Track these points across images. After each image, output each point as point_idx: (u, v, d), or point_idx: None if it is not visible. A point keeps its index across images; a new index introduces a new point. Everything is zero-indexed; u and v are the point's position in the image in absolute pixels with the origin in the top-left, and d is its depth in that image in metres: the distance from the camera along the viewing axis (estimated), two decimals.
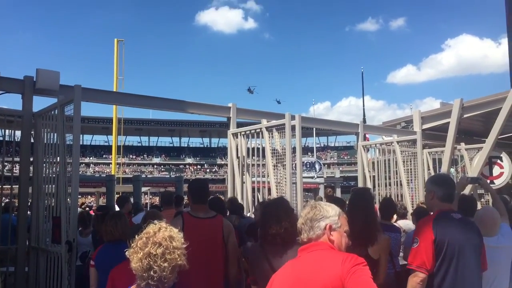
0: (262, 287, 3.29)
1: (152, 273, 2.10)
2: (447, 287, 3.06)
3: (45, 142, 6.19)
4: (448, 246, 3.08)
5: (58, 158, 5.72)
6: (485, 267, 3.28)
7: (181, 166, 73.22)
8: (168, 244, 2.15)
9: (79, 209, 9.46)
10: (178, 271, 2.20)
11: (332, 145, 77.38)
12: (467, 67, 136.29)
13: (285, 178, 7.27)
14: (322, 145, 76.52)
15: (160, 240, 2.17)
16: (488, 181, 10.68)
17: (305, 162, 31.47)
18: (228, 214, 5.82)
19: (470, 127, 11.61)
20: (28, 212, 6.51)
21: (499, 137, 10.07)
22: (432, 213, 3.43)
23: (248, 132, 7.98)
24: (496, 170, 10.75)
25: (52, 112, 5.96)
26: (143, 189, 20.74)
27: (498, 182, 10.74)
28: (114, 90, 33.66)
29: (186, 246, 2.27)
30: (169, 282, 2.14)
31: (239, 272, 4.19)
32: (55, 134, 5.86)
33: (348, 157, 69.48)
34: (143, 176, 51.35)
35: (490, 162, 10.68)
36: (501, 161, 10.73)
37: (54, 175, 5.85)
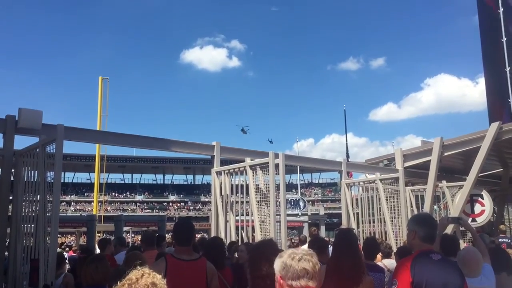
0: None
1: None
2: None
3: (25, 180, 6.11)
4: (428, 286, 3.05)
5: (39, 196, 5.63)
6: None
7: (164, 204, 72.38)
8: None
9: (59, 250, 9.24)
10: None
11: (316, 181, 77.56)
12: (446, 105, 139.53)
13: (269, 216, 7.23)
14: (306, 182, 76.63)
15: (140, 286, 2.12)
16: (470, 219, 10.78)
17: (289, 199, 31.39)
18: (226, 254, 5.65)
19: (451, 164, 11.80)
20: (6, 253, 6.33)
21: (479, 174, 10.25)
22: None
23: (232, 170, 7.99)
24: (477, 208, 10.85)
25: (34, 151, 5.91)
26: (125, 228, 20.35)
27: (480, 220, 10.82)
28: (98, 127, 33.57)
29: None
30: None
31: None
32: (36, 172, 5.80)
33: (332, 193, 69.61)
34: (125, 214, 50.58)
35: (472, 199, 10.79)
36: (482, 198, 10.84)
37: (33, 214, 5.74)
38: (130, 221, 22.07)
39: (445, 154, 10.38)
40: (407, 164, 11.27)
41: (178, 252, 3.80)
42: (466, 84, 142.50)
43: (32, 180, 5.94)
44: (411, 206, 11.58)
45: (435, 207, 13.24)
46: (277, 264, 2.27)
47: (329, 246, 5.66)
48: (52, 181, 5.41)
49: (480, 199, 10.86)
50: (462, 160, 11.44)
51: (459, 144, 10.36)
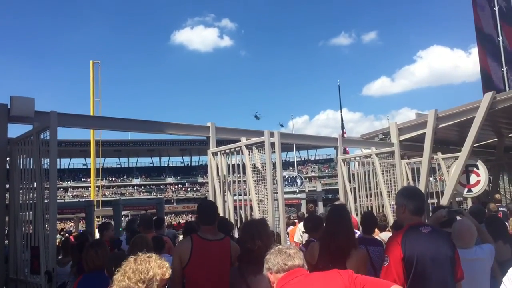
0: None
1: (113, 285, 2.15)
2: None
3: (21, 168, 6.10)
4: (417, 262, 3.07)
5: (35, 184, 5.63)
6: (462, 275, 3.27)
7: (162, 186, 72.58)
8: (137, 266, 2.16)
9: (58, 236, 9.29)
10: None
11: (313, 158, 77.82)
12: (439, 77, 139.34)
13: (267, 195, 7.26)
14: (303, 159, 76.88)
15: (134, 261, 2.20)
16: (466, 189, 10.89)
17: (286, 177, 31.51)
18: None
19: (445, 136, 11.84)
20: (6, 241, 6.35)
21: (474, 145, 10.30)
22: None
23: (228, 150, 7.98)
24: (473, 178, 10.94)
25: (28, 139, 5.89)
26: (123, 212, 20.45)
27: (476, 190, 10.94)
28: (91, 112, 33.37)
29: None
30: None
31: None
32: (31, 159, 5.79)
33: (329, 170, 69.90)
34: (123, 198, 50.75)
35: (467, 170, 10.88)
36: (477, 169, 10.93)
37: (31, 202, 5.75)
38: (128, 205, 22.21)
39: (440, 126, 10.39)
40: (402, 137, 11.29)
41: (203, 232, 3.85)
42: (459, 55, 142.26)
43: (28, 167, 5.94)
44: (407, 179, 11.66)
45: (431, 179, 13.35)
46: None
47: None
48: (48, 168, 5.41)
49: (475, 169, 10.95)
50: (456, 131, 11.47)
51: (453, 116, 10.37)
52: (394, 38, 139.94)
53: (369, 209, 9.89)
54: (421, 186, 10.49)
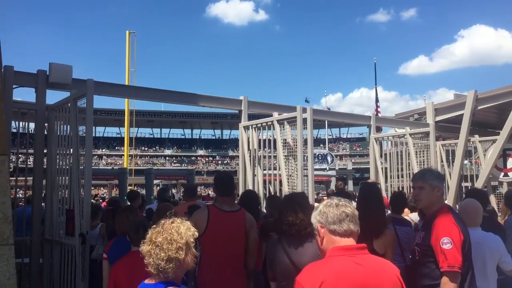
0: (281, 282, 3.33)
1: (151, 260, 2.19)
2: (468, 284, 3.06)
3: (58, 134, 6.28)
4: (468, 244, 3.09)
5: (71, 150, 5.79)
6: None
7: (192, 158, 73.57)
8: (169, 236, 2.20)
9: (92, 201, 9.58)
10: (179, 266, 2.22)
11: (345, 136, 77.08)
12: (481, 57, 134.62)
13: (297, 170, 7.26)
14: (335, 137, 76.26)
15: (163, 231, 2.25)
16: (502, 173, 10.59)
17: (317, 154, 31.40)
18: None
19: (484, 119, 11.47)
20: (42, 204, 6.60)
21: None
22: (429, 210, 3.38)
23: (259, 125, 7.97)
24: (510, 163, 10.61)
25: (65, 106, 6.03)
26: (155, 181, 20.90)
27: None
28: (126, 82, 33.84)
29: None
30: (168, 274, 2.18)
31: (258, 264, 4.23)
32: (68, 126, 5.94)
33: (361, 148, 69.17)
34: (155, 168, 51.72)
35: (505, 154, 10.54)
36: None
37: (67, 167, 5.93)
38: (160, 175, 22.65)
39: (479, 107, 10.05)
40: (439, 118, 10.99)
41: (220, 203, 3.93)
42: (503, 35, 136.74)
43: (64, 134, 6.10)
44: (441, 161, 11.42)
45: (466, 161, 13.02)
46: (314, 216, 2.26)
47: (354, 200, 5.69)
48: (84, 135, 5.55)
49: None
50: (496, 114, 11.07)
51: (493, 98, 9.99)
52: (435, 16, 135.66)
53: (400, 189, 9.75)
54: (455, 169, 10.24)
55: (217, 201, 3.99)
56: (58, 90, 6.71)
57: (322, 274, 1.97)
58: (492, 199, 10.51)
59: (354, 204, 4.97)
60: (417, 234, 3.48)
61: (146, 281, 2.27)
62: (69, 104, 5.92)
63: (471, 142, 11.37)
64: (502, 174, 10.69)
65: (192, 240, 2.28)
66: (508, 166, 10.62)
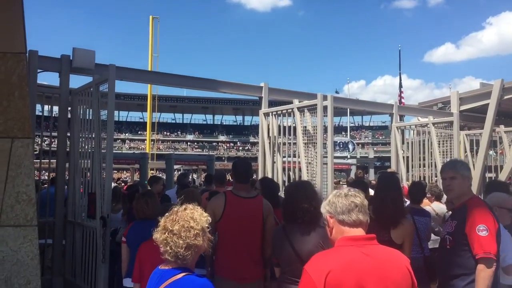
0: (284, 268, 3.35)
1: (168, 248, 2.20)
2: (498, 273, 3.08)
3: (81, 118, 6.38)
4: (500, 231, 3.09)
5: (94, 134, 5.89)
6: None
7: (214, 144, 73.95)
8: (186, 223, 2.22)
9: (114, 184, 9.74)
10: (197, 251, 2.25)
11: (367, 124, 76.28)
12: (509, 45, 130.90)
13: (316, 158, 7.23)
14: (357, 125, 75.53)
15: (179, 218, 2.26)
16: None
17: (338, 142, 31.21)
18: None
19: (510, 109, 11.20)
20: (65, 187, 6.74)
21: None
22: (459, 200, 3.37)
23: (280, 112, 7.95)
24: None
25: (88, 90, 6.12)
26: (176, 166, 21.08)
27: None
28: (149, 67, 34.09)
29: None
30: (187, 261, 2.21)
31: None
32: (91, 110, 6.03)
33: (383, 137, 68.38)
34: (176, 153, 52.19)
35: None
36: None
37: (89, 151, 6.03)
38: (180, 160, 22.83)
39: (505, 97, 9.81)
40: (463, 107, 10.77)
41: (237, 189, 3.97)
42: None
43: (87, 118, 6.20)
44: (465, 152, 11.23)
45: (491, 152, 12.76)
46: (324, 206, 2.24)
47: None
48: (106, 119, 5.63)
49: None
50: None
51: None
52: (463, 2, 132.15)
53: (422, 179, 9.63)
54: (480, 159, 10.07)
55: (234, 188, 4.02)
56: (81, 74, 6.81)
57: (329, 263, 1.97)
58: None
59: (372, 192, 4.96)
60: (447, 224, 3.45)
61: (161, 267, 2.30)
62: (91, 89, 6.00)
63: (496, 132, 11.13)
64: None
65: (206, 225, 2.30)
66: None
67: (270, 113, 8.13)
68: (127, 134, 71.59)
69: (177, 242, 2.18)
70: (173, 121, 77.66)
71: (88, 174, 6.02)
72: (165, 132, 73.08)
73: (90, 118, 6.07)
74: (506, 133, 11.22)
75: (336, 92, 61.22)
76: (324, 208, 2.24)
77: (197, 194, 4.72)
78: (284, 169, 7.94)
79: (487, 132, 9.91)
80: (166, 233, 2.23)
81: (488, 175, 11.61)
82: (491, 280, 2.93)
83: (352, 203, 2.14)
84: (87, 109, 6.21)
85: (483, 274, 2.93)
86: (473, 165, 10.39)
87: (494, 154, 13.73)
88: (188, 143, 73.40)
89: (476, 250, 3.00)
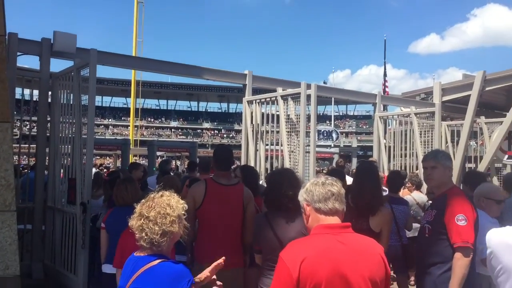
0: (266, 256, 3.37)
1: (143, 234, 2.19)
2: (475, 262, 3.12)
3: (62, 102, 6.29)
4: (477, 223, 3.13)
5: (74, 119, 5.82)
6: None
7: (198, 131, 73.66)
8: (162, 210, 2.21)
9: (95, 170, 9.67)
10: (172, 238, 2.25)
11: (351, 113, 76.66)
12: (494, 37, 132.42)
13: (299, 146, 7.26)
14: (341, 114, 75.86)
15: (155, 205, 2.25)
16: (506, 156, 10.55)
17: (322, 130, 31.33)
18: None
19: (491, 100, 11.35)
20: (46, 172, 6.66)
21: None
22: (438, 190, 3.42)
23: (263, 100, 7.94)
24: None
25: (69, 74, 6.03)
26: (159, 153, 20.93)
27: None
28: (134, 53, 33.64)
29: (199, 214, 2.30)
30: (162, 247, 2.20)
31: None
32: (72, 95, 5.95)
33: (367, 126, 68.83)
34: (158, 140, 51.84)
35: (510, 136, 10.48)
36: None
37: (70, 136, 5.96)
38: (162, 146, 22.66)
39: (487, 89, 9.93)
40: (445, 98, 10.88)
41: (218, 177, 3.96)
42: None
43: (68, 102, 6.12)
44: (446, 142, 11.37)
45: (472, 143, 12.95)
46: (301, 194, 2.25)
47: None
48: (87, 104, 5.56)
49: None
50: (504, 95, 10.95)
51: (502, 79, 9.86)
52: None
53: (403, 169, 9.75)
54: (460, 150, 10.22)
55: (215, 175, 4.01)
56: (62, 58, 6.70)
57: (304, 251, 1.98)
58: (495, 181, 10.50)
59: (351, 180, 5.00)
60: (426, 213, 3.50)
61: (136, 254, 2.28)
62: (72, 73, 5.92)
63: (477, 124, 11.29)
64: (506, 156, 10.66)
65: (183, 212, 2.30)
66: None
67: (254, 101, 8.12)
68: (110, 120, 70.84)
69: (153, 228, 2.17)
70: (157, 108, 77.03)
71: (69, 159, 5.96)
72: (149, 118, 72.51)
73: (71, 103, 5.99)
74: (486, 124, 11.38)
75: (324, 82, 61.30)
76: (301, 196, 2.25)
77: (176, 181, 4.70)
78: (266, 157, 7.97)
79: (468, 123, 10.04)
80: (142, 220, 2.21)
81: (468, 165, 11.80)
82: (467, 268, 2.98)
83: (329, 192, 2.15)
84: (68, 94, 6.13)
85: (460, 262, 2.99)
86: (454, 155, 10.53)
87: (475, 144, 13.93)
88: (172, 130, 72.97)
89: (454, 239, 3.05)
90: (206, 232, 3.82)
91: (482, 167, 10.23)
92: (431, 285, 3.20)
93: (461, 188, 4.36)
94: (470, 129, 10.27)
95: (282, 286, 1.94)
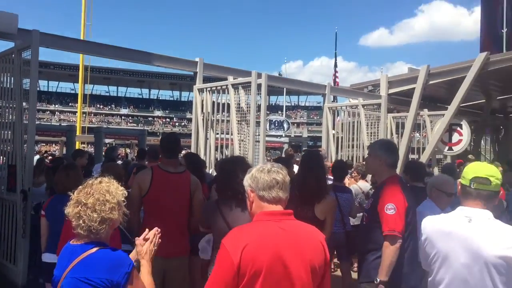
0: (216, 244, 3.36)
1: (81, 222, 2.14)
2: (410, 248, 3.23)
3: (1, 86, 6.00)
4: (412, 211, 3.26)
5: (15, 104, 5.57)
6: None
7: (149, 119, 72.39)
8: (101, 196, 2.16)
9: (39, 157, 9.30)
10: (111, 225, 2.21)
11: (303, 104, 77.65)
12: (439, 33, 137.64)
13: (249, 136, 7.29)
14: (293, 104, 76.71)
15: (94, 191, 2.20)
16: (447, 147, 11.04)
17: (273, 120, 31.62)
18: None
19: (435, 93, 11.82)
20: None
21: (461, 105, 10.32)
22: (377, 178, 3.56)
23: (214, 88, 7.90)
24: (455, 137, 11.04)
25: (9, 56, 5.75)
26: (108, 140, 20.44)
27: (457, 149, 11.07)
28: (82, 36, 32.48)
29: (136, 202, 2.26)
30: (100, 235, 2.16)
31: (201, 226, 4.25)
32: (12, 78, 5.69)
33: (318, 117, 69.91)
34: (106, 127, 50.51)
35: (451, 129, 10.96)
36: (461, 128, 10.99)
37: (10, 121, 5.71)
38: (110, 134, 22.15)
39: (430, 82, 10.32)
40: (392, 91, 11.21)
41: (164, 164, 3.92)
42: (461, 13, 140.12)
43: (8, 86, 5.84)
44: (392, 134, 11.74)
45: (417, 134, 13.46)
46: (247, 179, 2.25)
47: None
48: (29, 88, 5.34)
49: (459, 128, 11.02)
50: (446, 89, 11.41)
51: (444, 73, 10.27)
52: None
53: (350, 159, 10.00)
54: (404, 141, 10.59)
55: (162, 162, 3.98)
56: (2, 39, 6.36)
57: (246, 237, 2.00)
58: (436, 172, 10.96)
59: (296, 168, 5.08)
60: (368, 201, 3.63)
61: (72, 242, 2.22)
62: (13, 55, 5.65)
63: (421, 116, 11.72)
64: (447, 148, 11.14)
65: (122, 199, 2.26)
66: (453, 141, 11.06)
67: (205, 89, 8.06)
68: (57, 106, 68.26)
69: (91, 215, 2.12)
70: (107, 94, 74.98)
71: (9, 145, 5.72)
72: (98, 105, 70.48)
73: (11, 86, 5.73)
74: (429, 116, 11.83)
75: (279, 74, 61.53)
76: (246, 181, 2.25)
77: (118, 168, 4.61)
78: (217, 146, 7.95)
79: (411, 115, 10.41)
80: (80, 207, 2.16)
81: (412, 156, 12.26)
82: (395, 256, 3.12)
83: (274, 180, 2.16)
84: (9, 77, 5.86)
85: (388, 250, 3.13)
86: (399, 146, 10.90)
87: (419, 136, 14.47)
88: (123, 117, 71.31)
89: (383, 227, 3.19)
90: (152, 221, 3.77)
91: (424, 157, 10.65)
92: (365, 271, 3.35)
93: (403, 177, 4.53)
94: (414, 121, 10.66)
95: (223, 272, 1.95)
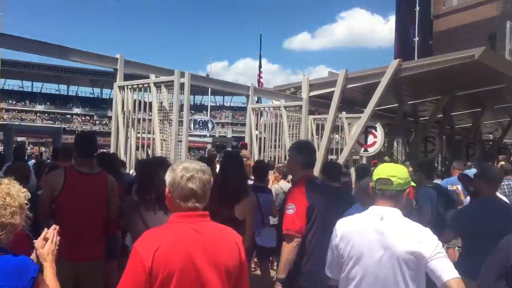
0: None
1: None
2: (314, 246, 3.28)
3: None
4: (318, 210, 3.30)
5: None
6: None
7: (68, 116, 68.99)
8: (1, 200, 2.01)
9: None
10: (13, 230, 2.07)
11: (228, 104, 77.87)
12: (357, 39, 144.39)
13: (171, 135, 7.20)
14: (218, 104, 76.70)
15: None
16: (362, 149, 11.59)
17: (198, 120, 31.46)
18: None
19: (352, 97, 12.36)
20: None
21: (376, 108, 10.89)
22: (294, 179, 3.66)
23: (136, 86, 7.71)
24: (370, 139, 11.60)
25: None
26: (21, 138, 19.18)
27: (371, 150, 11.66)
28: None
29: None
30: (1, 240, 2.02)
31: (118, 228, 4.11)
32: None
33: (243, 117, 70.26)
34: (17, 124, 47.51)
35: (366, 131, 11.50)
36: (376, 130, 11.58)
37: None
38: (21, 131, 20.72)
39: (348, 86, 10.78)
40: (312, 93, 11.57)
41: (79, 165, 3.72)
42: (378, 21, 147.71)
43: None
44: (312, 135, 12.12)
45: (336, 136, 14.00)
46: (168, 177, 2.15)
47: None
48: None
49: (373, 131, 11.61)
50: (362, 93, 11.98)
51: (361, 78, 10.79)
52: None
53: (273, 159, 10.18)
54: (323, 142, 10.97)
55: (76, 163, 3.79)
56: None
57: (159, 240, 1.97)
58: (353, 172, 11.47)
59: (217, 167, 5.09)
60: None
61: None
62: None
63: (339, 118, 12.21)
64: (363, 149, 11.70)
65: (25, 201, 2.12)
66: (368, 142, 11.63)
67: (125, 87, 7.85)
68: None
69: None
70: (21, 89, 70.42)
71: None
72: (10, 101, 66.03)
73: None
74: (347, 119, 12.36)
75: (207, 75, 61.05)
76: (168, 179, 2.16)
77: (24, 168, 4.33)
78: (138, 145, 7.77)
79: (331, 117, 10.82)
80: None
81: (330, 156, 12.74)
82: (291, 254, 3.20)
83: (191, 191, 2.09)
84: None
85: (285, 249, 3.22)
86: (318, 147, 11.28)
87: (338, 138, 15.05)
88: (38, 114, 67.32)
89: (282, 226, 3.30)
90: (65, 222, 3.59)
91: (341, 158, 11.11)
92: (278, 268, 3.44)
93: (321, 177, 4.69)
94: (333, 123, 11.09)
95: (135, 275, 1.91)
